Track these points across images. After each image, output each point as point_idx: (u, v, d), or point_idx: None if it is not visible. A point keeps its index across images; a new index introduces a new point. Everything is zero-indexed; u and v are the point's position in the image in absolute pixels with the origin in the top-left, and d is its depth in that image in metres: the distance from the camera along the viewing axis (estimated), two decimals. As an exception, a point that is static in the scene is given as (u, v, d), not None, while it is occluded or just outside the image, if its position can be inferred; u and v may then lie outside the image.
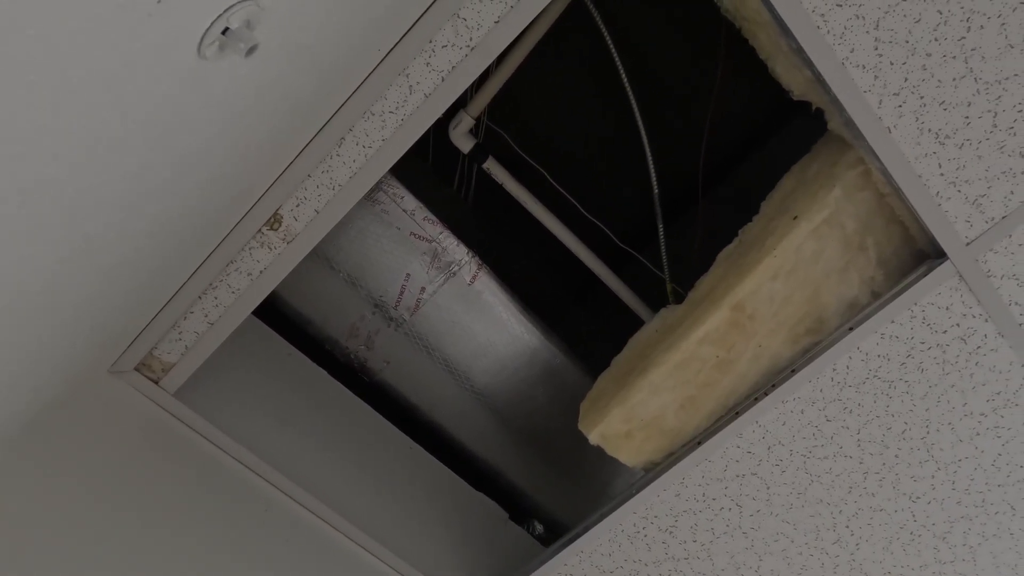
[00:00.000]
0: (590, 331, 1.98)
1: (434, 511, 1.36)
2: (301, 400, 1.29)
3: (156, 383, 0.97)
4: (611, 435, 1.06)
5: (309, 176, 0.86)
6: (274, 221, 0.87)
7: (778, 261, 0.94)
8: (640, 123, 1.32)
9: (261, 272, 0.91)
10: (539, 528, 1.72)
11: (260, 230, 0.88)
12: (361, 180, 0.86)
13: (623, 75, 1.31)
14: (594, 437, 1.06)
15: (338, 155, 0.84)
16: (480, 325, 1.49)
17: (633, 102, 1.32)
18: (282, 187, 0.85)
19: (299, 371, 1.37)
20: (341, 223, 1.42)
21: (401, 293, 1.45)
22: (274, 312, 1.46)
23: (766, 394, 1.02)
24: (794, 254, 0.94)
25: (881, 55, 0.82)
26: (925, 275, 0.95)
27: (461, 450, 1.62)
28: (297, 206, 0.87)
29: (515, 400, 1.60)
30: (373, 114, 0.82)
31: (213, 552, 0.91)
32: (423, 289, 1.44)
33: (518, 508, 1.70)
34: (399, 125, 0.83)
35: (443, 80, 0.80)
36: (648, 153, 1.24)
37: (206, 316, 0.93)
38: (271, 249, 0.89)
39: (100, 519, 0.80)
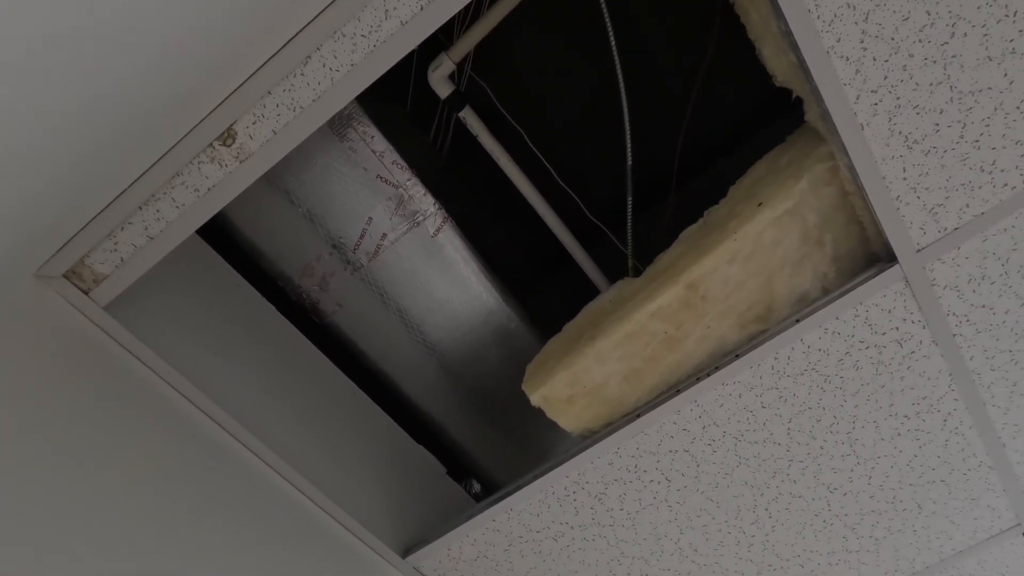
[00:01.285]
0: (552, 303, 1.98)
1: (371, 458, 1.35)
2: (244, 333, 1.25)
3: (86, 294, 0.92)
4: (553, 398, 1.06)
5: (269, 93, 0.81)
6: (227, 136, 0.82)
7: (738, 245, 0.94)
8: (624, 96, 1.30)
9: (209, 189, 0.86)
10: (476, 487, 1.74)
11: (212, 144, 0.83)
12: (325, 105, 0.81)
13: (613, 46, 1.28)
14: (536, 399, 1.07)
15: (302, 74, 0.80)
16: (439, 279, 1.47)
17: (620, 76, 1.30)
18: (239, 100, 0.80)
19: (245, 304, 1.33)
20: (305, 156, 1.38)
21: (361, 237, 1.41)
22: (226, 240, 1.41)
23: (708, 375, 1.04)
24: (754, 240, 0.95)
25: (866, 49, 0.81)
26: (874, 276, 0.97)
27: (406, 402, 1.62)
28: (254, 123, 0.82)
29: (466, 359, 1.59)
30: (344, 35, 0.78)
31: (131, 478, 0.88)
32: (384, 235, 1.40)
33: (458, 466, 1.71)
34: (371, 51, 0.78)
35: (422, 9, 0.76)
36: (627, 125, 1.22)
37: (146, 229, 0.88)
38: (222, 166, 0.85)
39: (6, 431, 0.76)
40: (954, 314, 1.00)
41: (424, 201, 1.38)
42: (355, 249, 1.42)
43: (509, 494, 1.15)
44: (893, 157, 0.88)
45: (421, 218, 1.39)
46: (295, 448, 1.14)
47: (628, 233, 1.21)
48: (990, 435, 1.11)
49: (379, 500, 1.27)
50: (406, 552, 1.23)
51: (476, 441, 1.73)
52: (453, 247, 1.44)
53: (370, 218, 1.39)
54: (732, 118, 1.83)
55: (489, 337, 1.56)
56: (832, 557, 1.24)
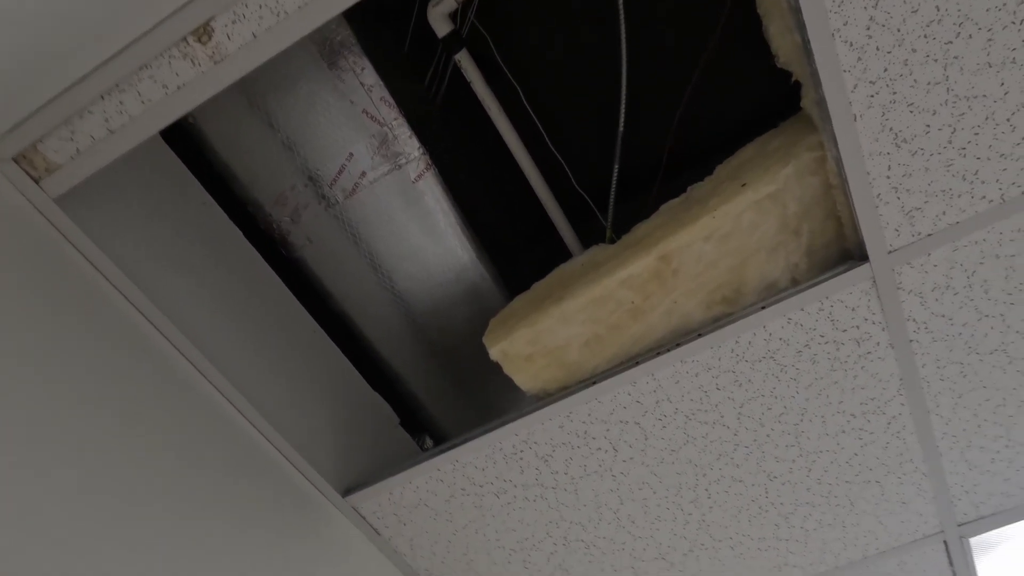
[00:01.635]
0: (527, 270, 1.97)
1: (323, 397, 1.34)
2: (205, 253, 1.21)
3: (36, 182, 0.87)
4: (513, 354, 1.05)
5: (254, -8, 0.76)
6: (203, 33, 0.77)
7: (716, 223, 0.94)
8: (624, 64, 1.27)
9: (179, 88, 0.81)
10: (429, 443, 1.74)
11: (186, 39, 0.78)
12: (311, 14, 0.77)
13: (622, 16, 1.24)
14: (495, 352, 1.06)
15: (290, -24, 0.75)
16: (415, 227, 1.44)
17: (624, 46, 1.27)
18: (220, -5, 0.75)
19: (210, 224, 1.28)
20: (290, 80, 1.32)
21: (340, 172, 1.37)
22: (197, 156, 1.35)
23: (668, 350, 1.04)
24: (733, 220, 0.94)
25: (871, 36, 0.80)
26: (843, 272, 0.97)
27: (367, 348, 1.60)
28: (233, 23, 0.78)
29: (433, 312, 1.57)
30: (338, -59, 0.73)
31: (58, 378, 0.84)
32: (364, 174, 1.37)
33: (413, 419, 1.71)
34: (365, -38, 0.74)
35: (425, -76, 0.72)
36: (623, 90, 1.19)
37: (107, 121, 0.83)
38: (195, 64, 0.80)
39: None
40: (914, 320, 1.01)
41: (409, 144, 1.34)
42: (332, 184, 1.38)
43: (456, 445, 1.15)
44: (880, 153, 0.88)
45: (404, 161, 1.36)
46: (244, 373, 1.12)
47: (610, 201, 1.20)
48: (929, 443, 1.15)
49: (325, 437, 1.25)
50: (347, 492, 1.23)
51: (433, 396, 1.73)
52: (433, 196, 1.41)
53: (351, 154, 1.35)
54: (731, 115, 1.81)
55: (459, 294, 1.55)
56: (762, 543, 1.27)
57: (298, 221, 1.42)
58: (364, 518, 1.25)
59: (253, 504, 1.07)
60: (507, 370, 1.08)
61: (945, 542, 1.29)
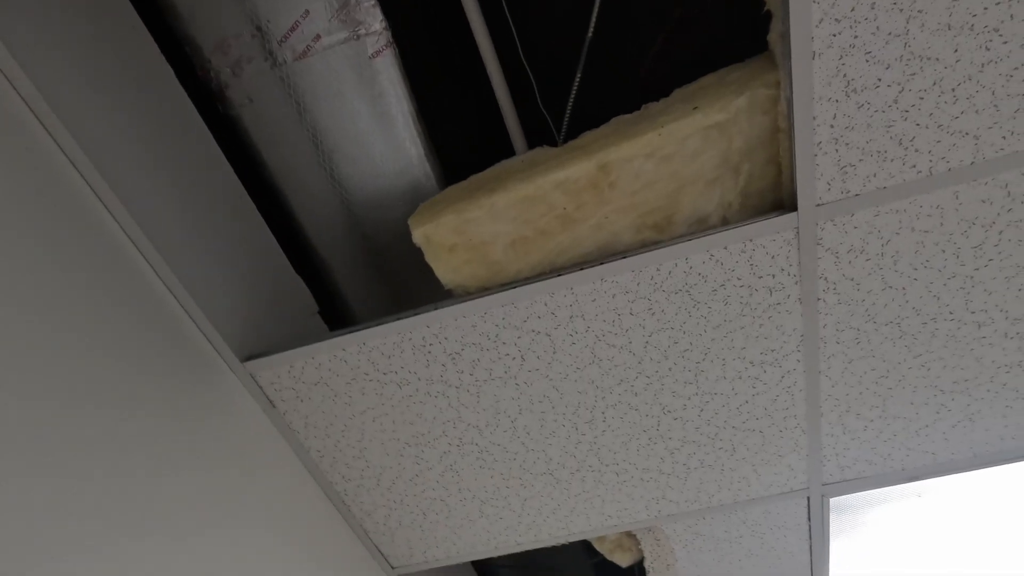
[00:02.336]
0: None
1: (240, 266, 1.28)
2: (128, 79, 1.11)
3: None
4: (436, 241, 1.03)
5: None
6: None
7: (660, 141, 0.93)
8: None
9: None
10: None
11: None
12: None
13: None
14: (419, 235, 1.03)
15: None
16: (365, 108, 1.37)
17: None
18: None
19: (140, 53, 1.17)
20: (253, -87, 1.20)
21: (292, 29, 1.27)
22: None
23: (591, 266, 1.04)
24: (678, 142, 0.94)
25: (846, -30, 0.79)
26: (772, 218, 0.99)
27: (296, 229, 1.54)
28: None
29: (370, 204, 1.52)
30: None
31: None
32: (318, 37, 1.27)
33: (334, 312, 1.67)
34: None
35: None
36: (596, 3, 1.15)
37: None
38: None
39: None
40: (825, 279, 1.05)
41: (371, 14, 1.26)
42: (281, 41, 1.28)
43: (366, 328, 1.13)
44: (829, 99, 0.88)
45: (363, 32, 1.27)
46: (152, 212, 1.05)
47: (568, 108, 1.17)
48: (814, 402, 1.21)
49: (234, 302, 1.21)
50: (247, 358, 1.19)
51: (359, 293, 1.69)
52: (389, 78, 1.34)
53: (307, 11, 1.25)
54: (711, 52, 1.78)
55: (400, 189, 1.50)
56: (646, 474, 1.34)
57: (239, 75, 1.32)
58: (261, 388, 1.22)
59: (146, 353, 1.02)
60: (428, 258, 1.06)
61: (808, 499, 1.39)
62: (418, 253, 1.62)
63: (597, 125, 1.28)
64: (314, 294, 1.59)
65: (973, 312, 1.08)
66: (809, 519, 1.44)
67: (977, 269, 1.03)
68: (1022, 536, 1.53)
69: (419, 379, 1.19)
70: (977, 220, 0.98)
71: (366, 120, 1.39)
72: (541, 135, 1.55)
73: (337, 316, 1.69)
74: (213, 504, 1.06)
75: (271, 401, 1.24)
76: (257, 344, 1.24)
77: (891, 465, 1.32)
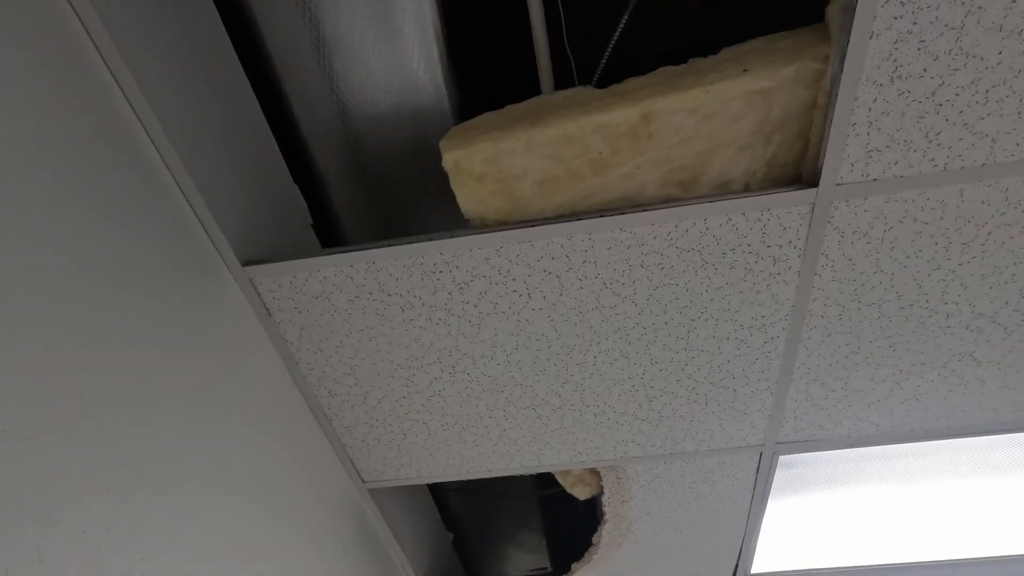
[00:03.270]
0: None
1: (241, 164, 1.22)
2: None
3: None
4: (465, 168, 1.01)
5: None
6: None
7: (707, 98, 0.93)
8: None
9: None
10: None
11: None
12: None
13: None
14: (448, 160, 1.01)
15: None
16: (379, 24, 1.29)
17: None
18: None
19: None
20: None
21: (322, -86, 1.16)
22: None
23: (612, 214, 1.06)
24: (722, 102, 0.94)
25: (923, -47, 0.79)
26: (792, 191, 1.03)
27: (297, 140, 1.46)
28: None
29: (375, 122, 1.46)
30: None
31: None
32: (350, -72, 1.17)
33: (324, 230, 1.63)
34: None
35: None
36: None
37: None
38: None
39: None
40: (826, 256, 1.11)
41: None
42: (309, -75, 1.17)
43: (378, 247, 1.12)
44: (875, 82, 0.90)
45: (399, -69, 1.18)
46: (163, 94, 0.97)
47: (608, 48, 1.14)
48: (787, 368, 1.31)
49: (235, 201, 1.16)
50: (247, 262, 1.16)
51: (352, 217, 1.65)
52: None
53: None
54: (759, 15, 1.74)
55: (408, 111, 1.44)
56: (622, 418, 1.41)
57: (257, -44, 1.21)
58: (259, 294, 1.20)
59: (144, 244, 0.97)
60: (454, 184, 1.04)
61: (761, 454, 1.52)
62: (418, 181, 1.58)
63: (628, 75, 1.27)
64: (309, 208, 1.54)
65: (946, 303, 1.18)
66: (757, 472, 1.57)
67: (960, 264, 1.12)
68: (938, 515, 1.74)
69: (423, 304, 1.20)
70: (973, 219, 1.05)
71: (382, 38, 1.31)
72: (562, 80, 1.51)
73: (327, 233, 1.65)
74: (195, 399, 1.06)
75: (268, 309, 1.22)
76: (255, 250, 1.20)
77: (839, 432, 1.45)
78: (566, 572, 1.99)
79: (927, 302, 1.18)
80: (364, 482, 1.61)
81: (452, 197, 1.50)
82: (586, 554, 1.88)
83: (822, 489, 1.69)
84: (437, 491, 2.32)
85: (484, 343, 1.26)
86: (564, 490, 2.24)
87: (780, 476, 1.64)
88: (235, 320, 1.18)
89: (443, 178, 1.48)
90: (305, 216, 1.51)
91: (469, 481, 2.28)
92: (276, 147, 1.39)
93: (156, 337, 0.97)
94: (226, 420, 1.12)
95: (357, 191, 1.62)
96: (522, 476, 2.28)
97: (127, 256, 0.94)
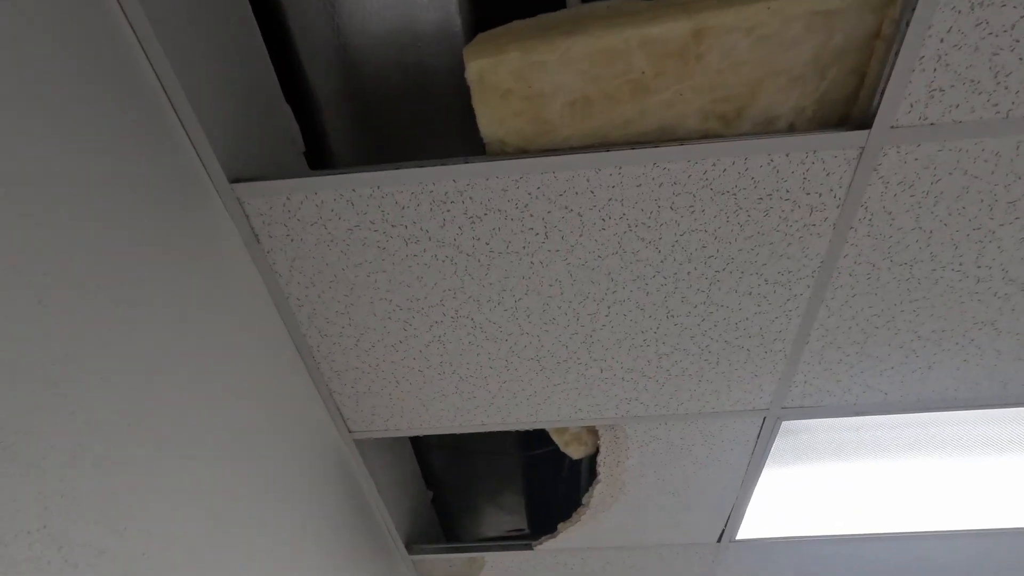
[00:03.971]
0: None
1: (236, 78, 1.08)
2: None
3: None
4: (491, 82, 0.90)
5: None
6: None
7: (767, 16, 0.83)
8: None
9: None
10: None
11: None
12: None
13: None
14: (473, 70, 0.90)
15: None
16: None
17: None
18: None
19: None
20: None
21: None
22: None
23: (646, 147, 0.96)
24: (782, 23, 0.85)
25: None
26: (842, 131, 0.95)
27: (293, 62, 1.32)
28: None
29: (377, 45, 1.32)
30: None
31: None
32: None
33: (320, 160, 1.50)
34: None
35: None
36: None
37: None
38: None
39: None
40: (865, 207, 1.04)
41: None
42: None
43: (384, 170, 1.01)
44: (953, 8, 0.82)
45: None
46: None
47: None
48: (805, 329, 1.25)
49: (224, 113, 1.03)
50: (236, 179, 1.04)
51: (348, 149, 1.52)
52: None
53: None
54: None
55: (413, 33, 1.30)
56: (629, 374, 1.35)
57: None
58: (247, 217, 1.08)
59: (124, 152, 0.84)
60: (476, 100, 0.93)
61: (764, 418, 1.48)
62: (420, 112, 1.45)
63: None
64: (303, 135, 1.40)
65: (979, 267, 1.13)
66: (758, 437, 1.54)
67: (1001, 225, 1.06)
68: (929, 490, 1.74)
69: (429, 239, 1.10)
70: (1023, 176, 0.99)
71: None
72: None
73: (319, 165, 1.52)
74: (170, 328, 0.95)
75: (256, 235, 1.10)
76: (245, 168, 1.08)
77: (846, 399, 1.41)
78: (550, 532, 1.95)
79: (960, 264, 1.12)
80: (350, 432, 1.52)
81: (456, 131, 1.38)
82: (574, 514, 1.84)
83: (817, 459, 1.67)
84: (419, 448, 2.26)
85: (492, 286, 1.17)
86: (549, 452, 2.20)
87: (779, 444, 1.61)
88: (219, 246, 1.06)
89: (448, 110, 1.36)
90: (297, 142, 1.38)
91: (454, 438, 2.22)
92: (270, 63, 1.25)
93: (127, 256, 0.85)
94: (204, 354, 1.01)
95: (353, 120, 1.49)
96: (507, 436, 2.22)
97: (102, 158, 0.81)
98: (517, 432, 2.12)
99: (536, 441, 2.12)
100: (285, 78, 1.33)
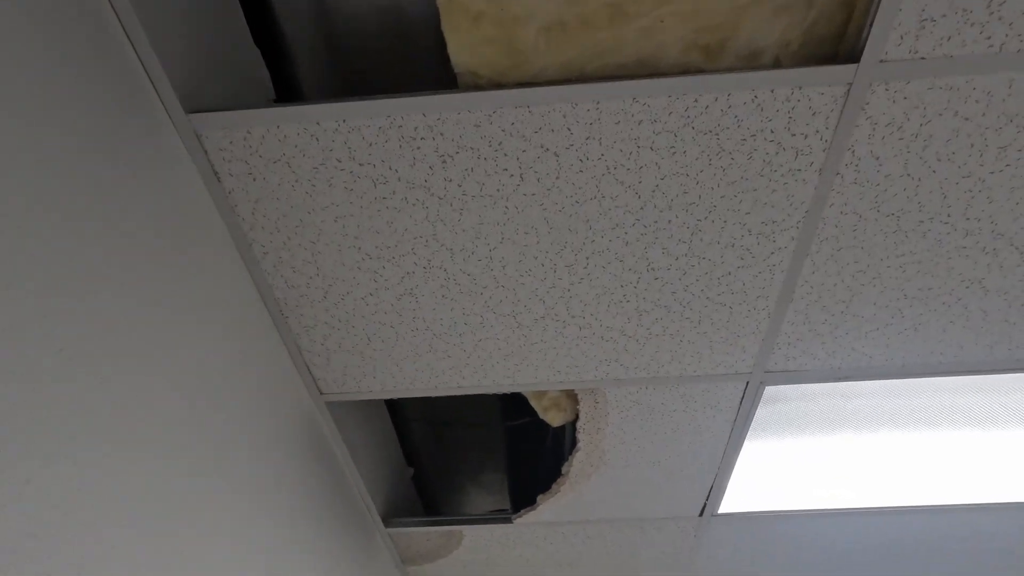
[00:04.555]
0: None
1: (201, 11, 1.02)
2: None
3: None
4: (461, 2, 0.85)
5: None
6: None
7: (751, -68, 0.79)
8: None
9: None
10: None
11: None
12: None
13: None
14: (442, -12, 0.84)
15: None
16: None
17: None
18: None
19: None
20: None
21: None
22: None
23: (626, 79, 0.92)
24: (767, -59, 0.80)
25: None
26: (829, 65, 0.91)
27: (264, 2, 1.26)
28: None
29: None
30: None
31: None
32: None
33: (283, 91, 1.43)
34: None
35: None
36: None
37: None
38: None
39: None
40: (852, 151, 1.00)
41: None
42: None
43: (349, 101, 0.95)
44: (946, -74, 0.78)
45: None
46: None
47: None
48: (790, 285, 1.21)
49: (187, 45, 0.97)
50: (193, 110, 0.98)
51: (317, 85, 1.46)
52: None
53: None
54: None
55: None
56: (608, 332, 1.31)
57: None
58: (206, 153, 1.02)
59: (67, 70, 0.78)
60: (445, 26, 0.88)
61: (747, 382, 1.44)
62: (399, 57, 1.40)
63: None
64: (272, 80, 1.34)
65: (968, 219, 1.09)
66: (740, 403, 1.50)
67: (992, 173, 1.03)
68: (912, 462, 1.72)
69: (399, 179, 1.05)
70: (1016, 118, 0.96)
71: None
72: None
73: (288, 92, 1.46)
74: (124, 275, 0.89)
75: (216, 173, 1.05)
76: (205, 95, 1.02)
77: (830, 363, 1.38)
78: (530, 505, 1.92)
79: (948, 216, 1.09)
80: (322, 393, 1.48)
81: (434, 82, 1.33)
82: (554, 485, 1.81)
83: (800, 432, 1.64)
84: (399, 423, 2.21)
85: (466, 233, 1.12)
86: (530, 424, 2.16)
87: (761, 413, 1.58)
88: (177, 186, 1.01)
89: (424, 56, 1.31)
90: (266, 87, 1.32)
91: (432, 410, 2.18)
92: (239, 7, 1.19)
93: (75, 193, 0.80)
94: (161, 305, 0.96)
95: (327, 66, 1.43)
96: (488, 407, 2.18)
97: (49, 82, 0.75)
98: (498, 403, 2.08)
99: (518, 410, 2.08)
100: (255, 21, 1.28)
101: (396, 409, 2.10)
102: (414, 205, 1.08)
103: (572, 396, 1.56)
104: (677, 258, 1.16)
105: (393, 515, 2.04)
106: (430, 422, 2.26)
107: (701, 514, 1.94)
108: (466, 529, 2.03)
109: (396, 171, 1.03)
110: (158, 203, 0.96)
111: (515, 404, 2.04)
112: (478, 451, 2.46)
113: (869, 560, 2.14)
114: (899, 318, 1.27)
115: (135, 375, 0.90)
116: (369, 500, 1.88)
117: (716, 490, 1.82)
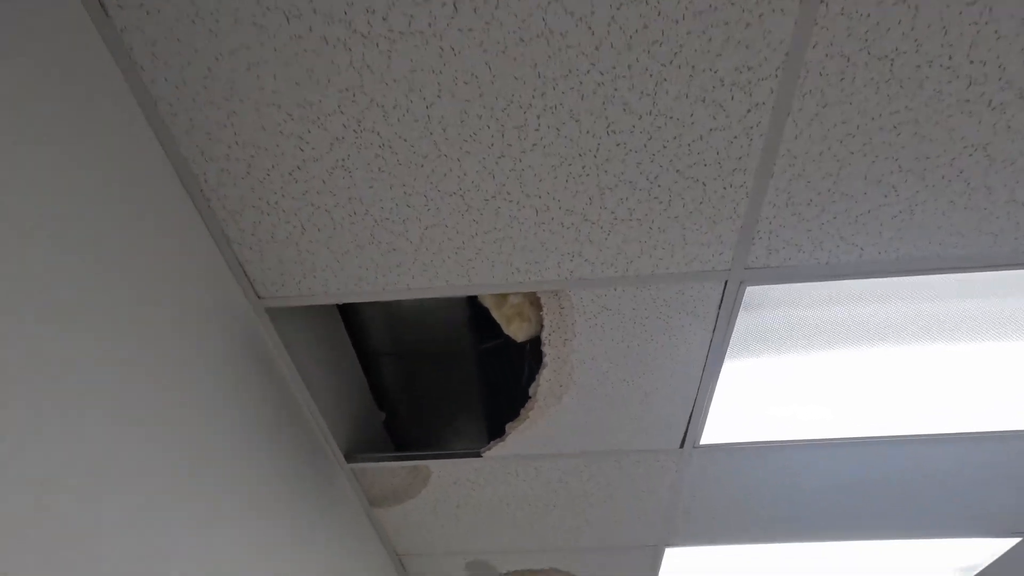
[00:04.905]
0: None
1: None
2: None
3: None
4: None
5: None
6: None
7: None
8: None
9: None
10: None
11: None
12: None
13: None
14: None
15: None
16: None
17: None
18: None
19: None
20: None
21: None
22: None
23: None
24: None
25: None
26: None
27: None
28: None
29: None
30: None
31: None
32: None
33: None
34: None
35: None
36: None
37: None
38: None
39: None
40: None
41: None
42: None
43: (246, -100, 0.81)
44: None
45: None
46: None
47: None
48: (770, 155, 1.08)
49: None
50: (64, -83, 0.84)
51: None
52: None
53: None
54: None
55: None
56: (568, 217, 1.18)
57: None
58: (86, -25, 0.88)
59: None
60: None
61: (726, 282, 1.31)
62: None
63: None
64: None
65: (972, 62, 0.95)
66: (719, 307, 1.38)
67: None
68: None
69: (315, 12, 0.91)
70: (1030, -82, 0.81)
71: None
72: None
73: None
74: (13, 138, 0.76)
75: (103, 5, 0.91)
76: (87, -80, 0.88)
77: (817, 256, 1.25)
78: (499, 435, 1.80)
79: (950, 58, 0.95)
80: (260, 297, 1.35)
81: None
82: (522, 411, 1.69)
83: (785, 349, 1.52)
84: (366, 357, 2.09)
85: (397, 84, 0.98)
86: (504, 353, 2.04)
87: (743, 323, 1.45)
88: (61, 35, 0.87)
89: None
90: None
91: (398, 342, 2.05)
92: None
93: None
94: (61, 178, 0.83)
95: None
96: (460, 334, 2.06)
97: None
98: (468, 329, 1.96)
99: (489, 336, 1.96)
100: None
101: (361, 340, 1.98)
102: (335, 47, 0.94)
103: (535, 303, 1.43)
104: (640, 117, 1.02)
105: (358, 452, 1.93)
106: (400, 356, 2.14)
107: (682, 446, 1.82)
108: (433, 464, 1.92)
109: (310, 1, 0.89)
110: (38, 48, 0.82)
111: (487, 328, 1.92)
112: (455, 393, 2.35)
113: (870, 493, 2.02)
114: (893, 196, 1.14)
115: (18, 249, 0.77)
116: (328, 433, 1.77)
117: (697, 416, 1.70)
